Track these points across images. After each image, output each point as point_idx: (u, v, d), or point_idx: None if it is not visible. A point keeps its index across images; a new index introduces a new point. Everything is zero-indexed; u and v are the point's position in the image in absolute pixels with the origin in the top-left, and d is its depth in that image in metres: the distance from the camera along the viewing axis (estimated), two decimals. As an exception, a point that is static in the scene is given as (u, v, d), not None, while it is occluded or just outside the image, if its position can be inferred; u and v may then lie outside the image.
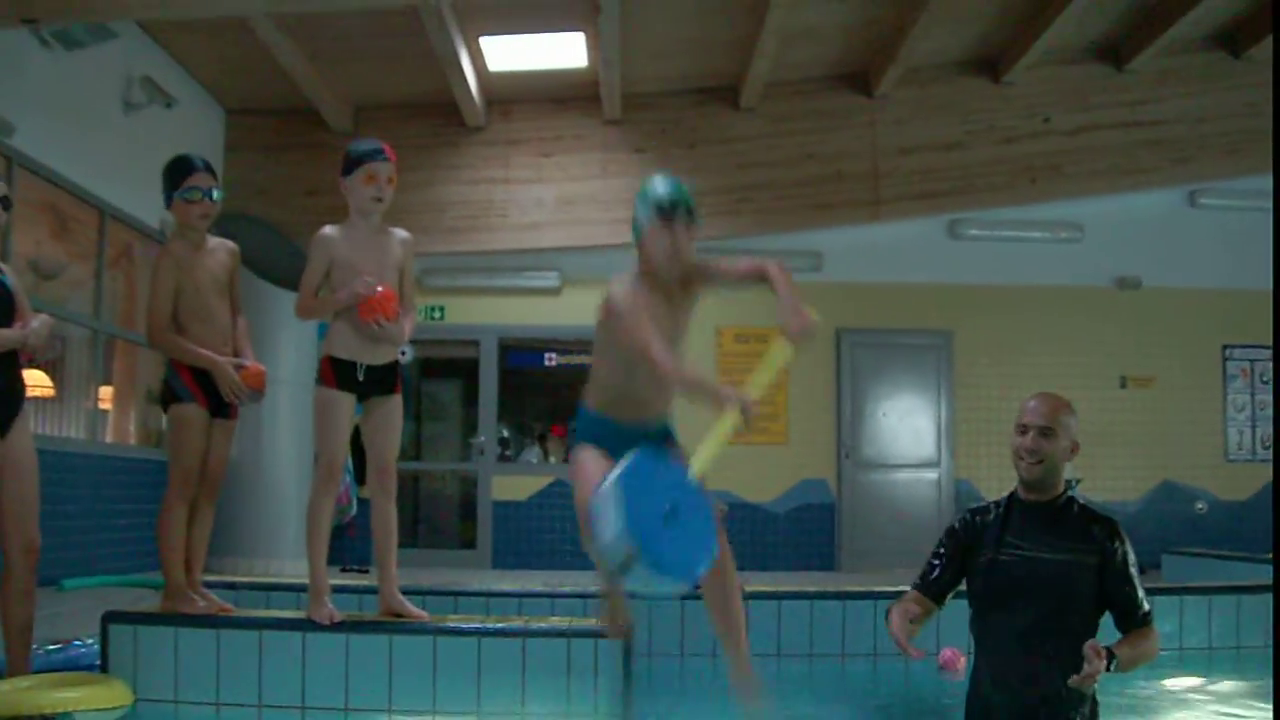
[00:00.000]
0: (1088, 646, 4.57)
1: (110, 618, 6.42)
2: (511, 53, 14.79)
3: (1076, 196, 16.67)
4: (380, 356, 6.54)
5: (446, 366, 18.29)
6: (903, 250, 16.88)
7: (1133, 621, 4.90)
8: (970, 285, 16.95)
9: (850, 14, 14.57)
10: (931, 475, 16.88)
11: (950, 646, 8.00)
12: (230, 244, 6.94)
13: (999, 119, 16.54)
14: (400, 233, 6.78)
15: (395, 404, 6.68)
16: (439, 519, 19.04)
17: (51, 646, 7.12)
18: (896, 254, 16.87)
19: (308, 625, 6.40)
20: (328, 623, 6.32)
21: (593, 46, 14.38)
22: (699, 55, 15.40)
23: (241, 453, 14.23)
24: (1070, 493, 5.14)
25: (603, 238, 15.03)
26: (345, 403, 6.49)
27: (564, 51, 14.73)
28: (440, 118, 16.23)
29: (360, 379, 6.47)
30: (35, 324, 6.35)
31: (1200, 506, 16.88)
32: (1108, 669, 4.59)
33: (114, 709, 5.89)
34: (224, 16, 12.48)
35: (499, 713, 6.06)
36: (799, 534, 16.73)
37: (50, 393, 13.50)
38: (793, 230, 16.56)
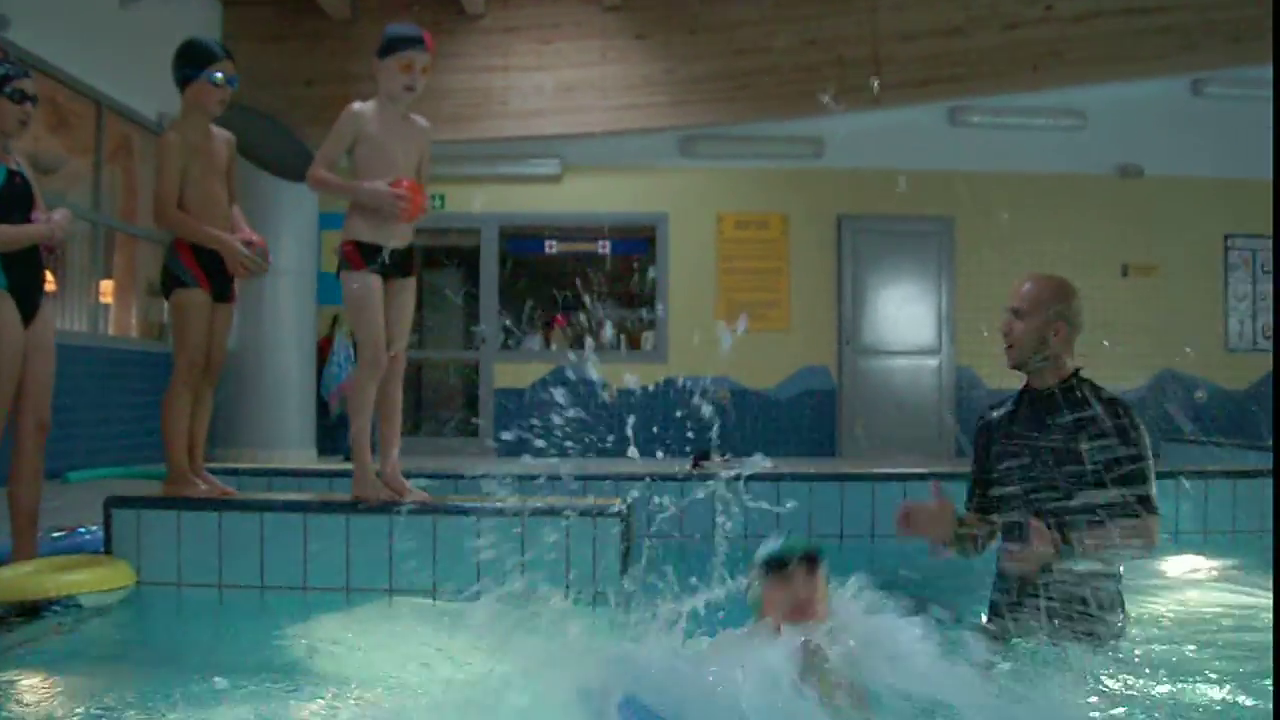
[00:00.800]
0: (1029, 523, 4.59)
1: (113, 503, 6.46)
2: (509, -62, 14.67)
3: (1079, 84, 16.57)
4: (400, 239, 6.57)
5: (447, 255, 18.28)
6: (904, 136, 16.82)
7: (1130, 509, 4.76)
8: (972, 172, 16.88)
9: (851, -103, 14.44)
10: (932, 362, 16.93)
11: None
12: (227, 134, 6.95)
13: (1001, 4, 16.38)
14: (422, 121, 6.77)
15: (410, 287, 6.72)
16: (441, 407, 19.11)
17: (56, 534, 7.20)
18: (897, 141, 16.81)
19: (308, 507, 6.46)
20: (375, 502, 6.40)
21: (593, -69, 14.28)
22: (699, -60, 15.28)
23: (243, 342, 14.30)
24: (1081, 376, 5.09)
25: (602, 124, 15.00)
26: (376, 284, 6.51)
27: (563, -64, 14.62)
28: (439, 5, 16.11)
29: (385, 260, 6.48)
30: (57, 216, 6.41)
31: (1200, 395, 16.94)
32: (1059, 553, 4.59)
33: (116, 589, 5.94)
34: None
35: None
36: (800, 420, 16.81)
37: (51, 287, 13.50)
38: (793, 117, 16.51)
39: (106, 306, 14.06)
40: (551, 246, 17.28)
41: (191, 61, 6.60)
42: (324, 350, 16.15)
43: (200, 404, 6.81)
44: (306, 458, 14.67)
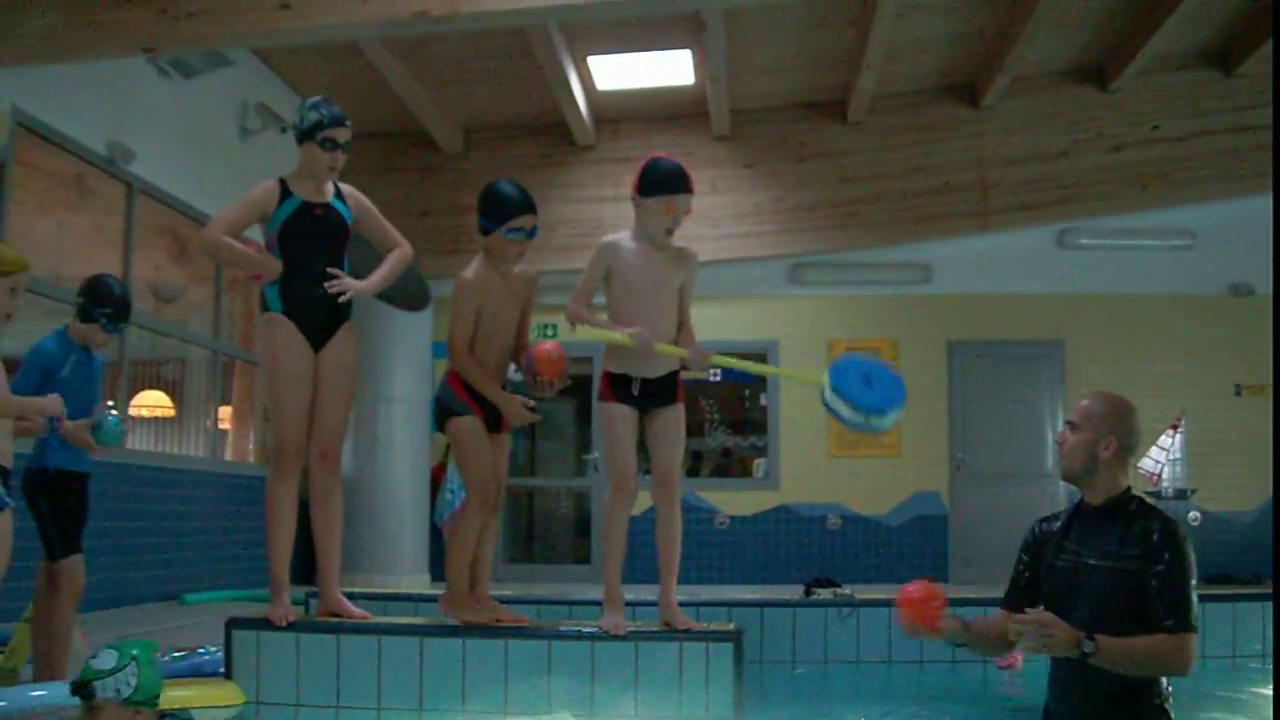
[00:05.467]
0: (1036, 613, 4.59)
1: (234, 624, 6.57)
2: (619, 71, 14.92)
3: (1187, 203, 16.56)
4: (656, 369, 6.63)
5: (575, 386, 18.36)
6: (1012, 260, 16.84)
7: (1159, 625, 4.64)
8: (1081, 294, 16.87)
9: (955, 25, 14.57)
10: (1045, 486, 16.77)
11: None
12: (531, 272, 6.94)
13: (1107, 127, 16.47)
14: (686, 251, 6.84)
15: (675, 413, 6.72)
16: (554, 535, 19.18)
17: (177, 654, 7.32)
18: (1006, 264, 16.84)
19: (425, 630, 6.54)
20: (619, 633, 6.38)
21: (699, 64, 14.49)
22: (805, 70, 15.46)
23: (358, 469, 14.48)
24: (1133, 494, 5.04)
25: (713, 253, 15.10)
26: (626, 415, 6.60)
27: (671, 69, 14.85)
28: (550, 137, 16.42)
29: (635, 393, 6.59)
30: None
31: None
32: (1081, 654, 4.56)
33: (227, 708, 6.03)
34: (335, 40, 12.71)
35: (610, 715, 6.14)
36: (912, 546, 16.72)
37: (171, 413, 13.80)
38: (902, 242, 16.60)
39: (224, 432, 14.31)
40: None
41: (490, 214, 6.63)
42: (437, 477, 16.28)
43: (485, 530, 6.84)
44: (421, 583, 14.76)
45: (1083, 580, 4.90)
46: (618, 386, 6.59)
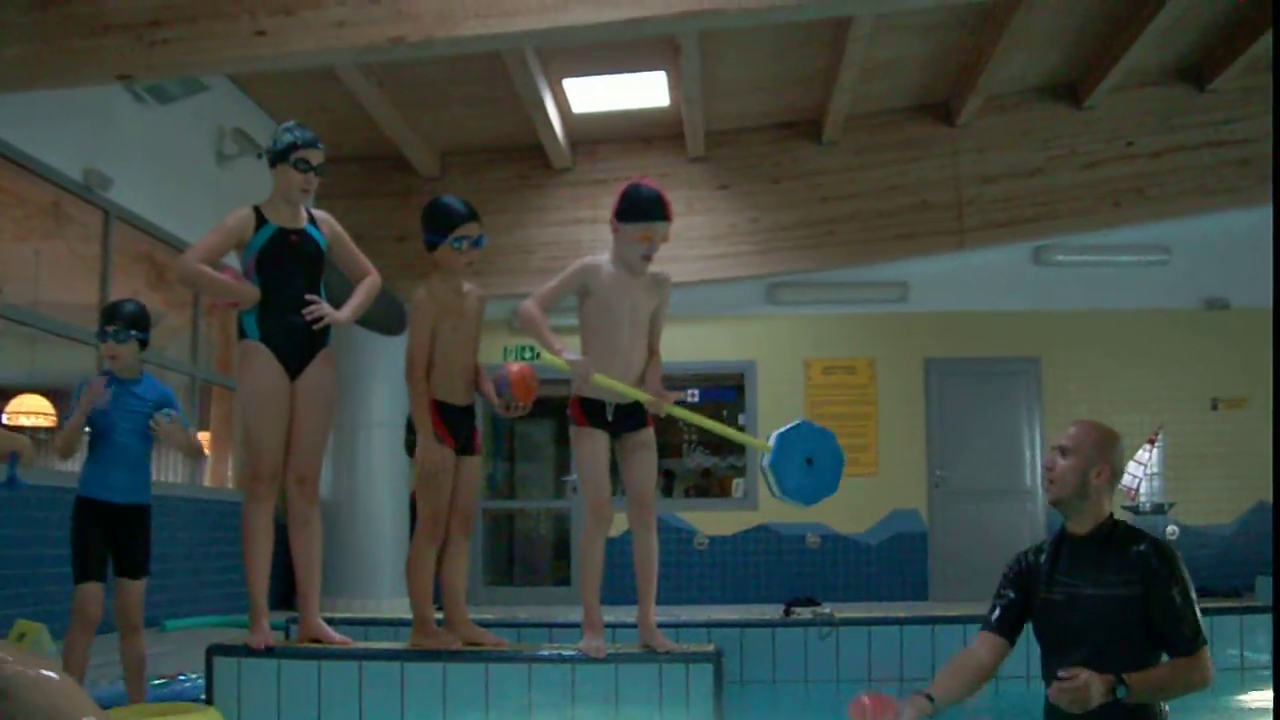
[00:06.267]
0: (1064, 670, 4.58)
1: (215, 650, 6.58)
2: (595, 94, 14.95)
3: (1162, 218, 16.62)
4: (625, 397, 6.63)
5: (539, 405, 18.29)
6: (989, 278, 16.90)
7: (1175, 649, 4.76)
8: (1057, 311, 16.93)
9: (929, 44, 14.62)
10: (1023, 503, 16.82)
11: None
12: (480, 291, 7.05)
13: (1081, 143, 16.53)
14: (661, 276, 6.83)
15: (646, 436, 6.72)
16: (534, 557, 19.17)
17: (157, 681, 7.32)
18: (982, 282, 16.89)
19: (407, 655, 6.55)
20: (599, 655, 6.41)
21: (674, 85, 14.53)
22: (780, 90, 15.51)
23: (337, 493, 14.47)
24: (1115, 520, 5.07)
25: (689, 274, 15.14)
26: (599, 439, 6.60)
27: (646, 91, 14.88)
28: (526, 160, 16.45)
29: (610, 418, 6.60)
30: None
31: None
32: (1114, 699, 4.59)
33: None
34: (311, 66, 12.73)
35: (593, 737, 6.16)
36: (892, 564, 16.74)
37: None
38: (878, 261, 16.65)
39: (203, 458, 14.28)
40: (640, 395, 17.35)
41: (434, 227, 6.71)
42: (416, 501, 16.28)
43: (458, 555, 6.91)
44: (401, 607, 14.72)
45: (1081, 610, 4.90)
46: (590, 411, 6.59)
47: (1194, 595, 4.82)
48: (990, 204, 16.47)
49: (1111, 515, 5.06)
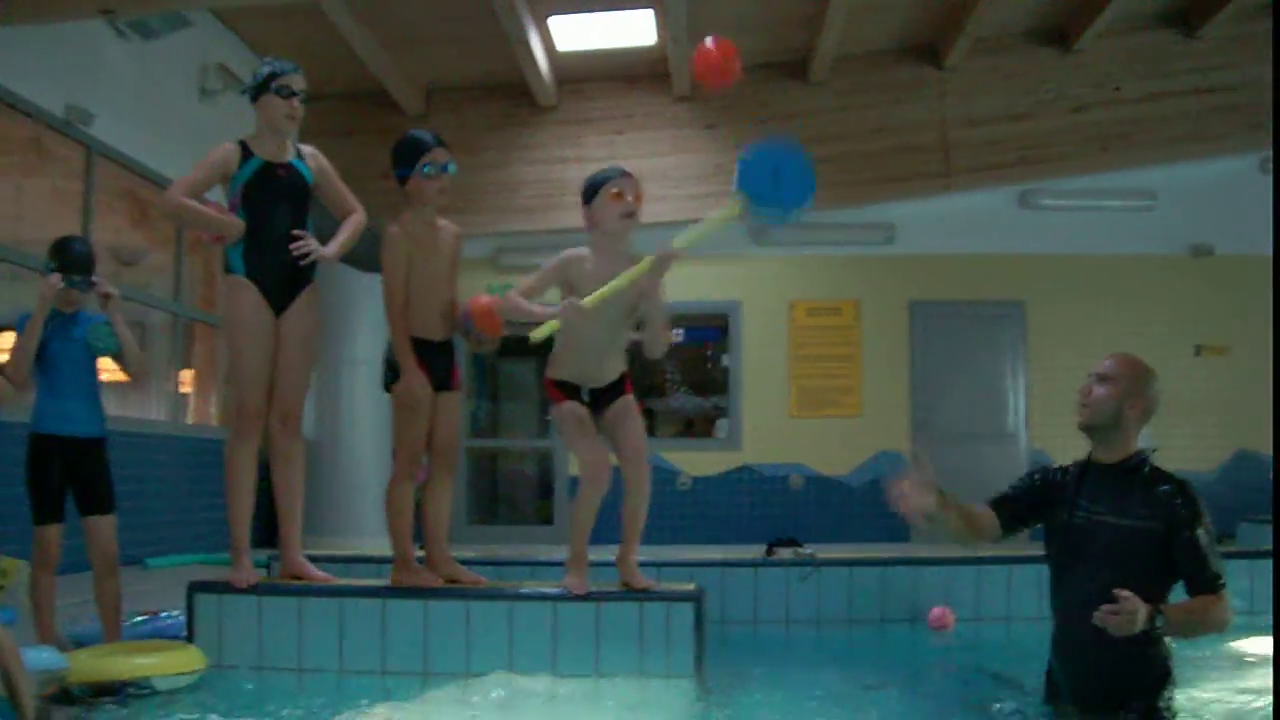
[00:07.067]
0: (1118, 591, 4.61)
1: (196, 587, 6.58)
2: (581, 32, 14.91)
3: (1148, 164, 16.62)
4: (601, 379, 6.56)
5: (523, 344, 18.38)
6: (975, 221, 16.87)
7: (1198, 587, 4.89)
8: (1042, 255, 16.90)
9: (917, -15, 14.58)
10: (1006, 446, 16.86)
11: (940, 605, 8.31)
12: (455, 227, 6.98)
13: (1069, 88, 16.51)
14: (644, 254, 6.36)
15: (626, 402, 6.57)
16: (517, 496, 19.18)
17: (139, 618, 7.32)
18: (968, 225, 16.87)
19: (388, 592, 6.56)
20: (581, 592, 6.38)
21: (661, 24, 14.48)
22: (767, 30, 15.44)
23: (320, 431, 14.45)
24: (1144, 456, 5.15)
25: (675, 213, 15.04)
26: (580, 411, 6.48)
27: (633, 29, 14.84)
28: (512, 98, 16.38)
29: (585, 400, 6.52)
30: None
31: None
32: (1153, 627, 4.62)
33: (188, 674, 6.01)
34: (296, 2, 12.66)
35: (574, 674, 6.16)
36: (874, 506, 16.72)
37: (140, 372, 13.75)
38: (864, 203, 16.62)
39: (186, 396, 14.26)
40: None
41: (401, 160, 6.65)
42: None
43: (442, 493, 6.89)
44: (383, 545, 14.74)
45: (1103, 538, 5.02)
46: (567, 391, 6.50)
47: (1215, 538, 4.94)
48: (977, 147, 16.46)
49: (1140, 451, 5.14)
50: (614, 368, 6.57)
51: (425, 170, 6.58)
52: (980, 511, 5.37)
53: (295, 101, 6.68)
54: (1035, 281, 16.96)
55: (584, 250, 6.48)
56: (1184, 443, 15.97)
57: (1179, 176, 16.72)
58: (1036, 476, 5.41)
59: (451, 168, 6.66)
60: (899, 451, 16.82)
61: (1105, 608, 4.57)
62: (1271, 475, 9.17)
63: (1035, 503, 5.30)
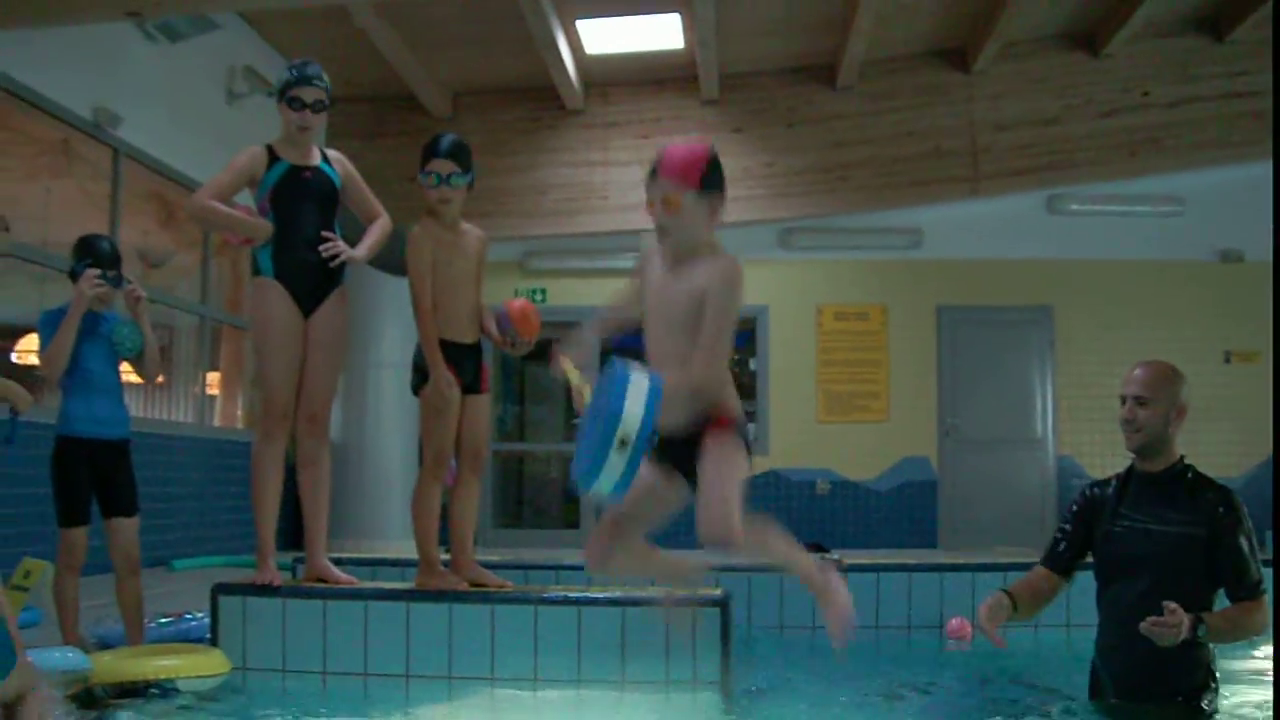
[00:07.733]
0: (1166, 603, 4.62)
1: (220, 590, 6.57)
2: (608, 35, 14.89)
3: (1177, 170, 16.53)
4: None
5: (549, 348, 18.35)
6: (1002, 226, 16.82)
7: (1239, 594, 4.93)
8: (1071, 260, 16.85)
9: (946, -11, 14.54)
10: (1034, 451, 16.79)
11: (958, 616, 8.22)
12: (479, 231, 6.92)
13: (1097, 92, 16.44)
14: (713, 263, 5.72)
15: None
16: (543, 499, 19.17)
17: (163, 620, 7.31)
18: (996, 230, 16.81)
19: (413, 595, 6.54)
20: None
21: (689, 27, 14.45)
22: (795, 34, 15.41)
23: (347, 434, 14.46)
24: (1187, 464, 5.18)
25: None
26: None
27: (660, 33, 14.80)
28: (539, 101, 16.36)
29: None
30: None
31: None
32: (1195, 634, 4.63)
33: (211, 676, 6.00)
34: (323, 4, 12.66)
35: (599, 680, 6.14)
36: (901, 512, 16.72)
37: (159, 378, 13.76)
38: (892, 208, 16.58)
39: (212, 398, 14.28)
40: (652, 339, 17.27)
41: (420, 164, 6.64)
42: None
43: (469, 496, 6.90)
44: (409, 548, 14.74)
45: (1143, 544, 5.06)
46: None
47: (1256, 545, 4.99)
48: (1005, 152, 16.40)
49: (1183, 458, 5.20)
50: None
51: (422, 179, 6.61)
52: (1039, 583, 5.41)
53: (307, 114, 6.66)
54: (1063, 287, 16.90)
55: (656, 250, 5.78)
56: (1212, 449, 15.82)
57: (1208, 182, 16.63)
58: (1075, 506, 5.43)
59: (455, 180, 6.58)
60: (926, 457, 16.78)
61: (1151, 619, 4.60)
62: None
63: (1082, 535, 5.33)
